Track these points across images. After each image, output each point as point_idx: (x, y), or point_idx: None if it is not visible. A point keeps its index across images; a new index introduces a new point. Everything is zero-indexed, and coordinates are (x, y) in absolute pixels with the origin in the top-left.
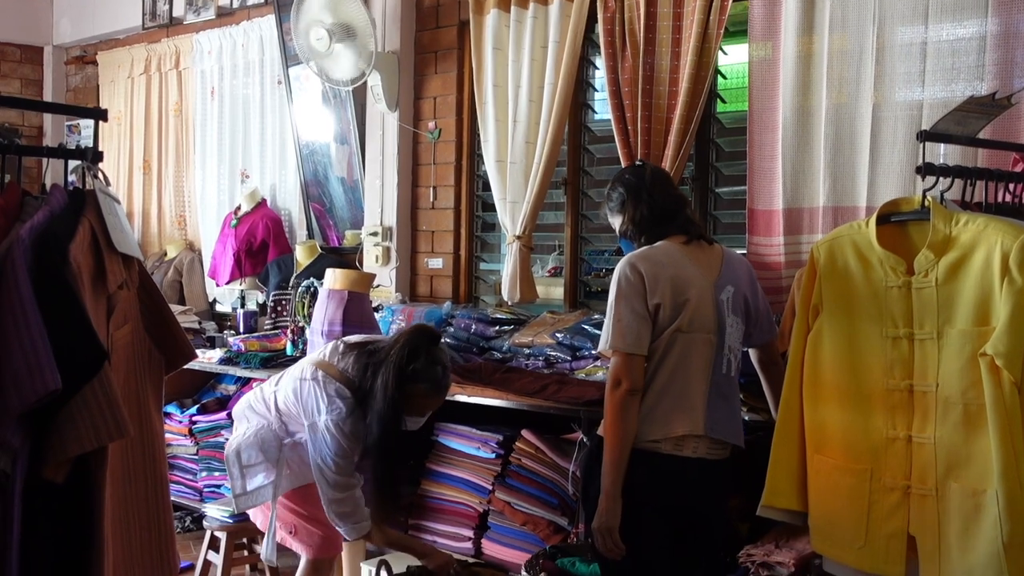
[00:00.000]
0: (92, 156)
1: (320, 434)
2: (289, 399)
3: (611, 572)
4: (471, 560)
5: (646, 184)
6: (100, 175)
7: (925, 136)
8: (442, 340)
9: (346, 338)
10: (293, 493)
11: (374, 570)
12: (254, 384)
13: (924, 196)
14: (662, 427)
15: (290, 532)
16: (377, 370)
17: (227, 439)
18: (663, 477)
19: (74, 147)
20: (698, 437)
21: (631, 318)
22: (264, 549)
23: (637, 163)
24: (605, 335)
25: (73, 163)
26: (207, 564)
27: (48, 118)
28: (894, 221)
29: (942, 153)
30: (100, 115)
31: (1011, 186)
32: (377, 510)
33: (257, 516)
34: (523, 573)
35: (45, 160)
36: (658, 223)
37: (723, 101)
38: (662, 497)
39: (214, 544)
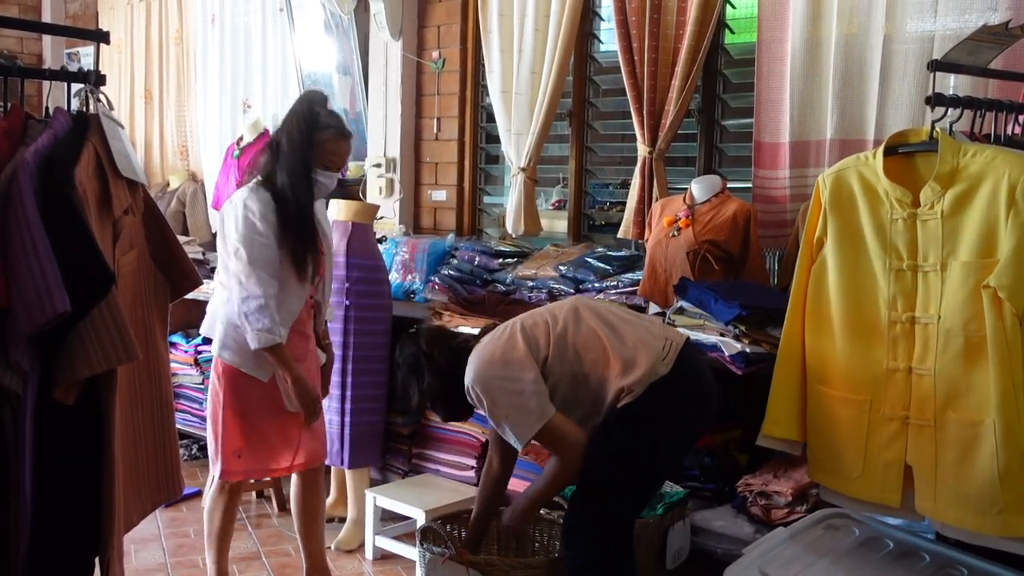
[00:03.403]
0: (95, 79)
1: (232, 222)
2: (219, 253)
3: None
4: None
5: (424, 353)
6: (103, 99)
7: (936, 66)
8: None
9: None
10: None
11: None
12: None
13: (933, 127)
14: (649, 359)
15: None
16: (279, 146)
17: None
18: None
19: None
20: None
21: (531, 390)
22: None
23: (411, 331)
24: (522, 430)
25: (75, 87)
26: None
27: (47, 46)
28: (902, 152)
29: (952, 85)
30: (102, 37)
31: (1021, 118)
32: (297, 249)
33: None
34: None
35: (46, 86)
36: (456, 388)
37: (731, 31)
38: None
39: None
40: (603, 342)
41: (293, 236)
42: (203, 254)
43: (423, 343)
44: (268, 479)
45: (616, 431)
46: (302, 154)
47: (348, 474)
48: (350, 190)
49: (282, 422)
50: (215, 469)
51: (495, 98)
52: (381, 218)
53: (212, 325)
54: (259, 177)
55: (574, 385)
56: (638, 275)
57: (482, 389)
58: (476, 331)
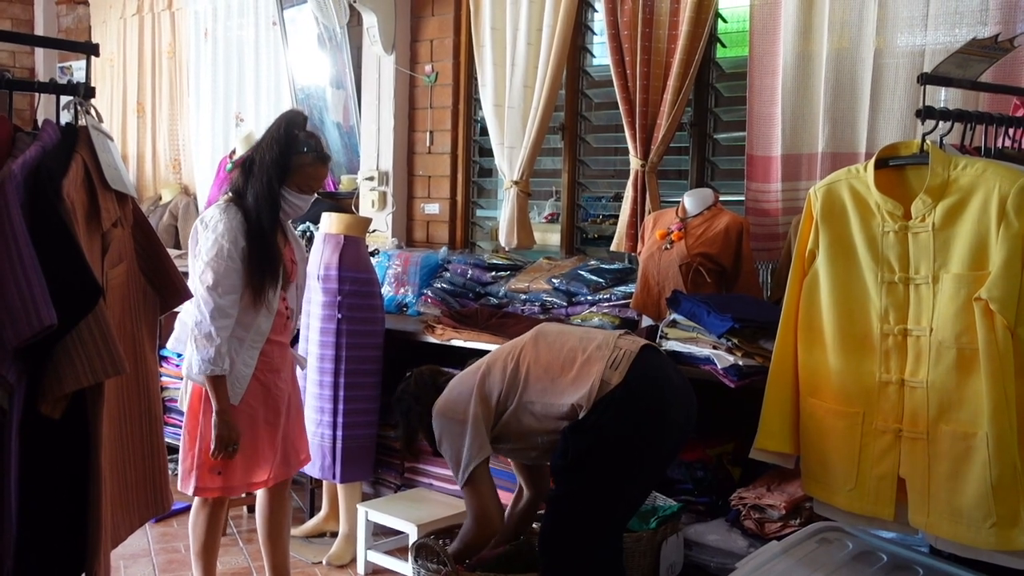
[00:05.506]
0: (84, 92)
1: (204, 244)
2: (190, 270)
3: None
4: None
5: (412, 397)
6: (93, 111)
7: (925, 79)
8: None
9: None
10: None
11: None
12: None
13: (923, 140)
14: (599, 371)
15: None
16: (252, 165)
17: None
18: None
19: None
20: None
21: (468, 440)
22: None
23: (407, 374)
24: (454, 470)
25: (65, 99)
26: None
27: (40, 59)
28: (892, 165)
29: (943, 98)
30: (92, 50)
31: (1011, 131)
32: (257, 277)
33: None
34: None
35: (37, 98)
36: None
37: (723, 45)
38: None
39: None
40: (556, 366)
41: (254, 261)
42: None
43: (412, 385)
44: None
45: (573, 443)
46: (272, 176)
47: (340, 488)
48: (342, 203)
49: (260, 437)
50: (188, 487)
51: (488, 111)
52: (374, 231)
53: (179, 340)
54: (229, 194)
55: (531, 415)
56: (631, 288)
57: (435, 423)
58: (471, 345)
